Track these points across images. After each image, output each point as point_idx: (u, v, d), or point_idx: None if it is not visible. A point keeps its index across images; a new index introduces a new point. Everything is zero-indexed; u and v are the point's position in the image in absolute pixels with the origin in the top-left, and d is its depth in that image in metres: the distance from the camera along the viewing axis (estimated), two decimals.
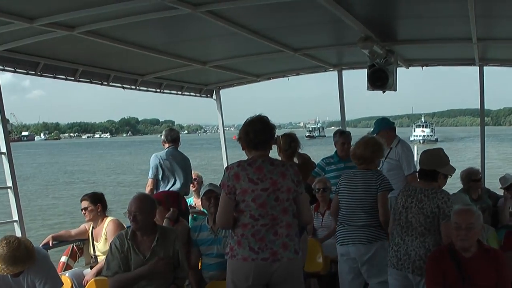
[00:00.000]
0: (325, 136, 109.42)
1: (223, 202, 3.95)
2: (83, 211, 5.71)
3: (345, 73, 8.86)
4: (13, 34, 5.05)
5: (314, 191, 6.65)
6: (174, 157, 7.12)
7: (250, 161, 3.95)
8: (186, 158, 7.33)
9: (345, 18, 5.23)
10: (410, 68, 8.43)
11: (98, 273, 5.26)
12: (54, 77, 6.50)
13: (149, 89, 8.39)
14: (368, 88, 6.85)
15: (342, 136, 7.13)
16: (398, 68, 7.05)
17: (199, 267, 5.33)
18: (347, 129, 8.16)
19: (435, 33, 6.52)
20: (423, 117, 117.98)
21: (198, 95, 9.53)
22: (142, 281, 4.48)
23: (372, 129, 6.80)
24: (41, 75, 6.22)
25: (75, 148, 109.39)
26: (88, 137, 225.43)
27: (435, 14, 5.62)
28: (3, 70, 5.83)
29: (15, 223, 5.79)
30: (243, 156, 4.10)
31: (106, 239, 5.56)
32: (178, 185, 6.99)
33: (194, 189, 7.69)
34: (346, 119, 9.32)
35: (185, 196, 7.10)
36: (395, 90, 6.92)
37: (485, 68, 8.00)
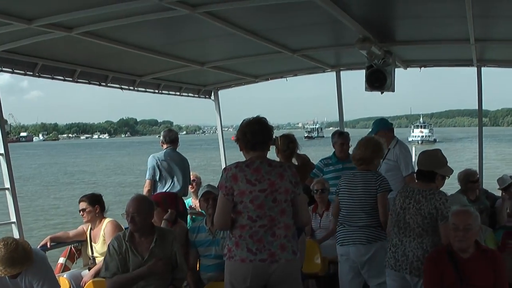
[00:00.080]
0: (323, 136, 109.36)
1: (221, 203, 3.94)
2: (81, 212, 5.71)
3: (343, 74, 8.88)
4: (11, 35, 5.05)
5: (312, 192, 6.65)
6: (172, 158, 7.12)
7: (248, 162, 3.95)
8: (184, 159, 7.32)
9: (343, 19, 5.24)
10: (408, 69, 8.43)
11: (96, 275, 5.25)
12: (52, 78, 6.50)
13: (147, 90, 8.39)
14: (366, 89, 6.85)
15: (341, 137, 7.13)
16: (396, 69, 7.07)
17: (197, 268, 5.32)
18: (345, 129, 8.17)
19: (433, 34, 6.53)
20: (421, 118, 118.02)
21: (196, 96, 9.52)
22: (140, 282, 4.48)
23: (370, 129, 6.81)
24: (39, 76, 6.21)
25: (73, 148, 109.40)
26: (86, 137, 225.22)
27: (433, 15, 5.63)
28: (1, 71, 5.83)
29: (13, 225, 5.79)
30: (241, 157, 4.09)
31: (104, 240, 5.56)
32: (176, 186, 6.99)
33: (192, 190, 7.68)
34: (345, 120, 9.31)
35: (183, 197, 7.09)
36: (393, 91, 6.92)
37: (483, 69, 8.02)
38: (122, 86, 7.78)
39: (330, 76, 9.03)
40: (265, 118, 4.06)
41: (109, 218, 5.74)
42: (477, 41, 6.40)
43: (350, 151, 6.93)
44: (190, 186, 7.55)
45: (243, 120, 4.04)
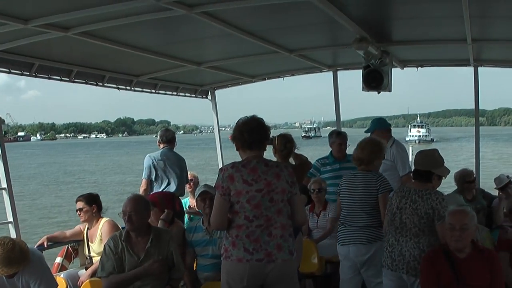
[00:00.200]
0: (321, 136, 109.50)
1: (218, 203, 3.94)
2: (78, 212, 5.71)
3: (340, 73, 8.89)
4: (7, 35, 5.04)
5: (309, 191, 6.65)
6: (168, 157, 7.11)
7: (245, 162, 3.95)
8: (181, 158, 7.31)
9: (340, 19, 5.24)
10: (405, 68, 8.45)
11: (93, 274, 5.24)
12: (49, 78, 6.49)
13: (144, 90, 8.38)
14: (363, 89, 6.85)
15: (338, 137, 7.13)
16: (393, 69, 7.07)
17: (194, 268, 5.33)
18: (342, 129, 8.17)
19: (429, 33, 6.54)
20: (418, 118, 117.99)
21: (193, 95, 9.52)
22: (136, 282, 4.48)
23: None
24: (35, 76, 6.20)
25: (71, 148, 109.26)
26: (84, 137, 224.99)
27: (430, 15, 5.64)
28: None
29: (9, 224, 5.79)
30: (239, 156, 4.09)
31: (101, 240, 5.55)
32: (172, 186, 6.99)
33: (190, 189, 7.67)
34: (342, 120, 9.33)
35: (180, 197, 7.08)
36: (390, 90, 6.93)
37: (480, 68, 8.03)
38: (119, 86, 7.77)
39: (327, 76, 9.07)
40: (262, 118, 4.06)
41: (106, 217, 5.74)
42: (474, 41, 6.42)
43: (348, 151, 6.95)
44: (187, 186, 7.55)
45: (239, 119, 4.03)
